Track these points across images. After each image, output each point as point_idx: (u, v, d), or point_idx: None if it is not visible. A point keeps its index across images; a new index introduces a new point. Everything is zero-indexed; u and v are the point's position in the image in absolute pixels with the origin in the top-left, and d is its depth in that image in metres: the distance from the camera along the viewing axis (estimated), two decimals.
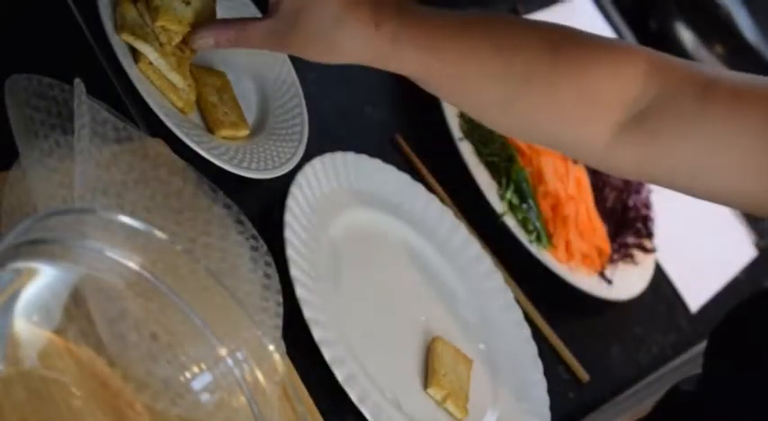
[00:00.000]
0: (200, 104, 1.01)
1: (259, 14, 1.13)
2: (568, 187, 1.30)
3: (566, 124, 0.94)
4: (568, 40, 0.95)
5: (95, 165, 0.80)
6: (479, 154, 1.24)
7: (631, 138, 0.93)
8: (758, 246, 1.58)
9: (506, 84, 0.93)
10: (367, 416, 0.93)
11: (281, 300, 0.90)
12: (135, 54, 0.97)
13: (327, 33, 0.91)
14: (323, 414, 0.91)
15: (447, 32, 0.92)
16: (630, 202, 1.38)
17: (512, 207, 1.23)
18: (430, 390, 1.01)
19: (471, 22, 0.93)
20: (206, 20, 0.98)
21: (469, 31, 0.92)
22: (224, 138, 1.01)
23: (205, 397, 0.77)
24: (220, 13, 1.10)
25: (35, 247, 0.70)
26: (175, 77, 0.98)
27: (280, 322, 0.89)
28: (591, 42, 0.95)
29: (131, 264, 0.75)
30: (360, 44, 0.91)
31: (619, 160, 0.94)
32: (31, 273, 0.71)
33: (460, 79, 0.93)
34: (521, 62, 0.92)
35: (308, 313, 0.94)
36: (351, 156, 1.09)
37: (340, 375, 0.93)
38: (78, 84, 0.83)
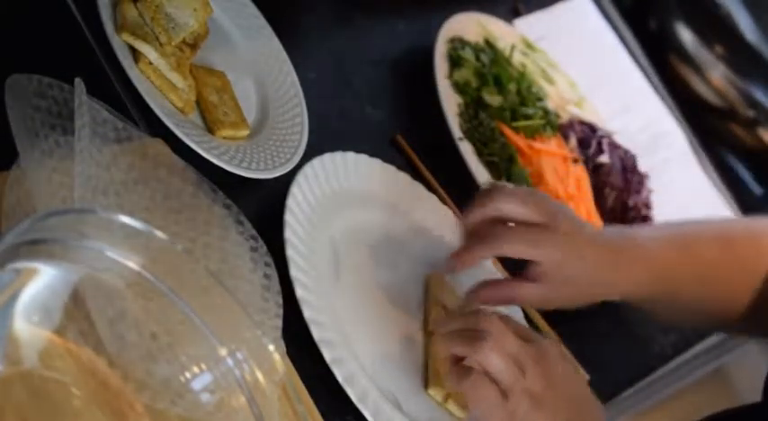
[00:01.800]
0: (201, 104, 1.01)
1: (259, 14, 1.13)
2: (568, 187, 1.30)
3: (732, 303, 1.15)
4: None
5: (95, 165, 0.80)
6: (479, 154, 1.24)
7: None
8: None
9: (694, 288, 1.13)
10: (367, 416, 0.93)
11: (280, 300, 0.90)
12: (135, 54, 0.97)
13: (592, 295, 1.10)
14: (323, 414, 0.91)
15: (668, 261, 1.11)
16: (630, 202, 1.38)
17: None
18: (431, 391, 1.01)
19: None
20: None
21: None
22: (224, 138, 1.01)
23: (205, 397, 0.77)
24: (220, 13, 1.10)
25: (35, 247, 0.70)
26: (175, 77, 0.98)
27: (280, 322, 0.89)
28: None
29: (131, 264, 0.75)
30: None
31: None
32: (31, 273, 0.71)
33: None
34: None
35: (308, 313, 0.94)
36: (351, 156, 1.09)
37: (340, 375, 0.93)
38: (79, 83, 0.83)
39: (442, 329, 0.97)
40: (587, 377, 1.20)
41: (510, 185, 1.07)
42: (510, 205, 1.04)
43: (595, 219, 1.32)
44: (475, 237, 1.05)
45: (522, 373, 0.93)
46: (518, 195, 1.05)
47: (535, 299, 1.08)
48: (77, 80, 0.83)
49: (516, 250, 1.04)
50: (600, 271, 1.06)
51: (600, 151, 1.38)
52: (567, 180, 1.30)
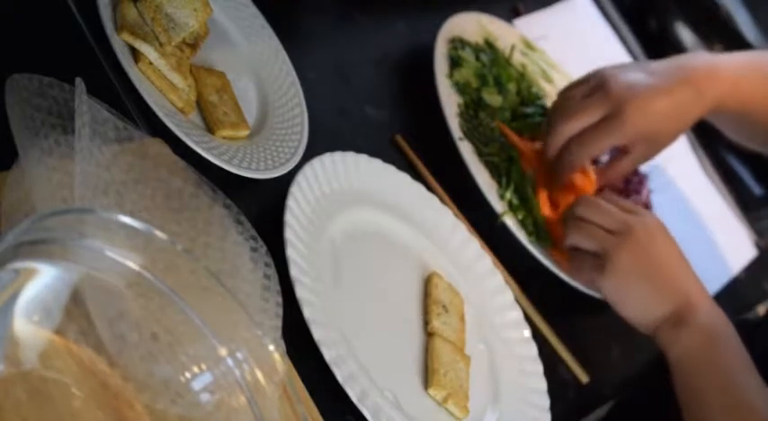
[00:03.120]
0: (201, 104, 1.01)
1: (259, 14, 1.13)
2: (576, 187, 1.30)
3: None
4: None
5: (95, 165, 0.80)
6: (479, 154, 1.24)
7: None
8: (758, 245, 1.58)
9: None
10: (367, 415, 0.93)
11: (280, 300, 0.90)
12: (135, 54, 0.97)
13: None
14: (323, 414, 0.91)
15: None
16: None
17: (512, 207, 1.23)
18: (431, 391, 1.01)
19: None
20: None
21: None
22: (224, 138, 1.01)
23: (205, 397, 0.77)
24: (220, 13, 1.10)
25: (35, 247, 0.70)
26: (175, 77, 0.98)
27: (279, 322, 0.89)
28: None
29: (131, 264, 0.75)
30: None
31: None
32: (31, 273, 0.71)
33: None
34: None
35: (308, 313, 0.94)
36: (351, 156, 1.09)
37: (340, 375, 0.93)
38: (79, 83, 0.83)
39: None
40: (587, 377, 1.20)
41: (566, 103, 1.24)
42: (572, 122, 1.21)
43: None
44: (560, 160, 1.23)
45: (615, 235, 1.13)
46: (574, 109, 1.22)
47: (635, 162, 1.26)
48: (78, 80, 0.83)
49: (597, 148, 1.22)
50: (685, 106, 1.21)
51: None
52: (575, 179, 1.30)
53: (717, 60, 1.27)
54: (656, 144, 1.25)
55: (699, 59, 1.27)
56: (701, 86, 1.23)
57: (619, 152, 1.27)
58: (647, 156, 1.26)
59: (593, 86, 1.24)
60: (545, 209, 1.26)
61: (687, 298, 1.13)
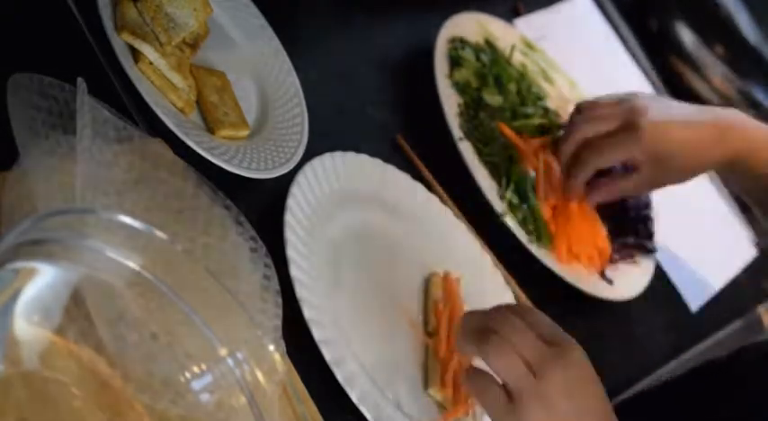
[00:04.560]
0: (201, 104, 1.01)
1: (259, 14, 1.13)
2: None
3: None
4: None
5: (97, 165, 0.80)
6: (479, 154, 1.24)
7: None
8: (758, 245, 1.58)
9: None
10: (367, 416, 0.93)
11: (280, 300, 0.90)
12: (135, 54, 0.97)
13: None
14: (323, 414, 0.91)
15: None
16: (630, 202, 1.38)
17: (512, 207, 1.23)
18: (431, 391, 1.01)
19: None
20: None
21: None
22: (224, 138, 1.01)
23: (205, 397, 0.77)
24: (220, 13, 1.10)
25: (35, 247, 0.70)
26: (175, 77, 0.98)
27: (280, 322, 0.89)
28: None
29: (131, 264, 0.75)
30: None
31: None
32: (31, 273, 0.71)
33: None
34: None
35: (308, 313, 0.94)
36: (351, 156, 1.09)
37: (340, 375, 0.93)
38: (81, 83, 0.83)
39: (459, 329, 0.92)
40: None
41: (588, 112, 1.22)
42: (591, 124, 1.20)
43: (596, 220, 1.32)
44: (573, 165, 1.22)
45: (534, 376, 0.87)
46: (596, 113, 1.20)
47: (638, 185, 1.22)
48: (80, 79, 0.83)
49: (608, 156, 1.20)
50: (700, 146, 1.18)
51: None
52: None
53: (750, 119, 1.24)
54: (666, 171, 1.22)
55: (732, 111, 1.25)
56: (726, 133, 1.21)
57: (626, 170, 1.25)
58: (654, 181, 1.24)
59: (623, 99, 1.23)
60: (546, 211, 1.26)
61: None
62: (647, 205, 1.40)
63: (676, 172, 1.22)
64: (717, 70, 1.67)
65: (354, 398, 0.93)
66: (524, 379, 0.88)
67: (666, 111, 1.20)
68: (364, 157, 1.10)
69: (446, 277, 1.10)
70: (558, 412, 0.88)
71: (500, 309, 0.92)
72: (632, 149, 1.19)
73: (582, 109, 1.24)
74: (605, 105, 1.23)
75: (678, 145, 1.19)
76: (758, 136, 1.22)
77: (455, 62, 1.30)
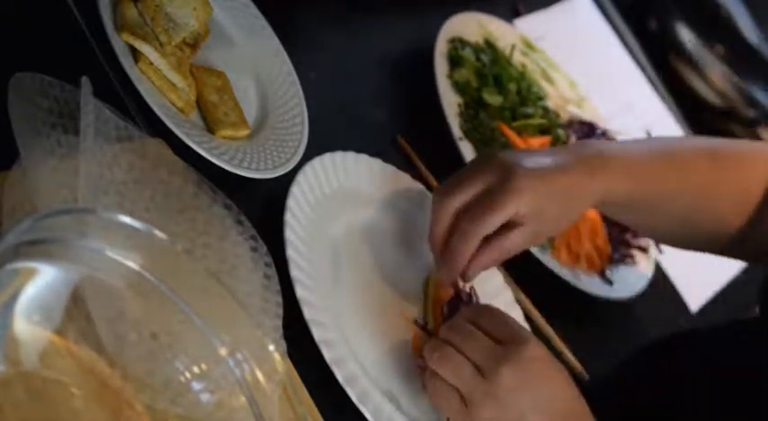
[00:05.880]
0: (201, 104, 1.01)
1: (259, 14, 1.13)
2: None
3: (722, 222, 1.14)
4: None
5: (98, 165, 0.80)
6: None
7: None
8: None
9: (682, 198, 1.12)
10: (367, 416, 0.93)
11: (280, 300, 0.90)
12: (135, 54, 0.97)
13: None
14: (323, 414, 0.91)
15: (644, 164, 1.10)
16: None
17: None
18: None
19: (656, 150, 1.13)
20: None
21: (656, 158, 1.11)
22: (224, 138, 1.01)
23: (205, 397, 0.77)
24: (220, 13, 1.10)
25: (35, 247, 0.70)
26: (175, 77, 0.98)
27: (280, 322, 0.89)
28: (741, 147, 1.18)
29: (131, 264, 0.75)
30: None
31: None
32: (31, 273, 0.71)
33: (650, 199, 1.10)
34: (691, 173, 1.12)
35: (308, 313, 0.94)
36: (351, 156, 1.09)
37: (340, 375, 0.93)
38: (85, 82, 0.83)
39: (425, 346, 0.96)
40: (587, 377, 1.20)
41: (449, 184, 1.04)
42: (455, 194, 1.02)
43: (596, 220, 1.32)
44: (455, 238, 1.02)
45: (483, 376, 0.90)
46: (456, 181, 1.03)
47: (526, 240, 1.04)
48: (84, 79, 0.83)
49: (489, 221, 1.01)
50: (577, 187, 1.05)
51: None
52: None
53: (608, 145, 1.13)
54: (543, 223, 1.04)
55: (592, 144, 1.12)
56: (593, 169, 1.06)
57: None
58: (535, 235, 1.05)
59: (480, 158, 1.08)
60: (561, 255, 1.25)
61: None
62: None
63: (551, 220, 1.06)
64: (717, 70, 1.67)
65: (354, 398, 0.93)
66: (472, 381, 0.90)
67: (535, 159, 1.05)
68: (364, 157, 1.10)
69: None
70: (511, 409, 0.90)
71: (453, 320, 0.95)
72: (507, 207, 1.01)
73: (438, 187, 1.06)
74: (464, 172, 1.05)
75: (548, 190, 1.03)
76: (620, 163, 1.09)
77: (455, 62, 1.30)
